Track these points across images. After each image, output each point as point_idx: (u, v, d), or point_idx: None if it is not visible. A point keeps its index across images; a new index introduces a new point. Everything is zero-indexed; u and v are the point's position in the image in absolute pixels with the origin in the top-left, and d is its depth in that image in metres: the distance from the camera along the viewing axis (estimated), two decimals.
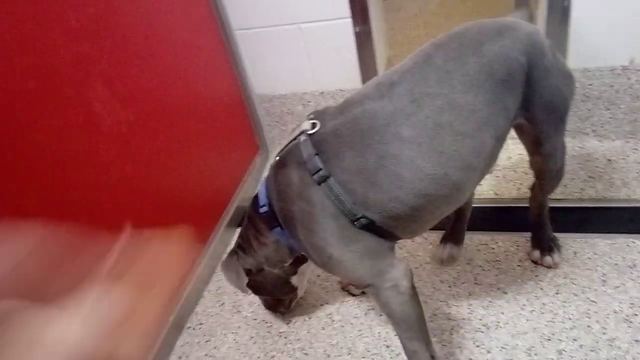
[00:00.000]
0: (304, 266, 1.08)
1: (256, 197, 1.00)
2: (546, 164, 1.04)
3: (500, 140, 0.89)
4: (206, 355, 1.21)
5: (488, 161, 0.89)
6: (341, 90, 1.69)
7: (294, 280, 1.10)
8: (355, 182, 0.82)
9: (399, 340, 0.92)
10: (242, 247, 1.05)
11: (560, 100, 0.94)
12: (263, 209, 0.96)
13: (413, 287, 0.87)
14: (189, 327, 1.30)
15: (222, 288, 1.39)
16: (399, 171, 0.81)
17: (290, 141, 0.90)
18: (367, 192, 0.82)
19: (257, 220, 1.00)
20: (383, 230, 0.86)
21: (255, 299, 1.28)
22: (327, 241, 0.85)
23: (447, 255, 1.28)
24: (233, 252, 1.07)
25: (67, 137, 0.97)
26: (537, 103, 0.91)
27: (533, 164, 1.08)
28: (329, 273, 0.95)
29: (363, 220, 0.83)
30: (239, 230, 1.12)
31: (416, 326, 0.89)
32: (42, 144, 0.92)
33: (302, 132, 0.88)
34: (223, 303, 1.35)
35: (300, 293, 1.19)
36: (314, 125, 0.88)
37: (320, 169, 0.83)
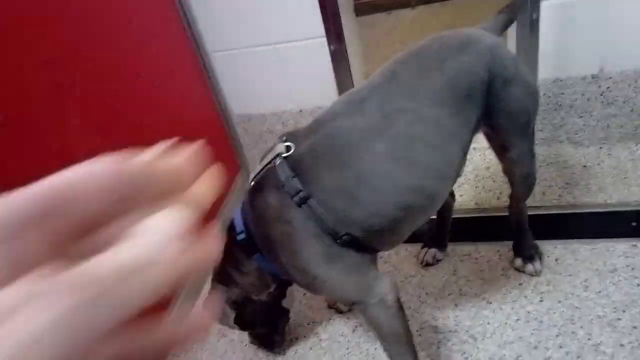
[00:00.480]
0: (292, 287, 1.07)
1: (231, 225, 0.94)
2: (513, 169, 1.07)
3: (465, 149, 0.92)
4: None
5: (457, 169, 0.92)
6: (319, 108, 1.70)
7: (285, 303, 1.09)
8: (335, 201, 0.82)
9: (387, 356, 0.92)
10: (221, 281, 1.00)
11: (521, 110, 0.96)
12: (241, 236, 0.91)
13: (398, 301, 0.87)
14: (173, 354, 1.27)
15: None
16: (378, 185, 0.82)
17: (265, 165, 0.87)
18: (348, 209, 0.82)
19: (233, 249, 0.94)
20: (365, 245, 0.86)
21: None
22: (310, 262, 0.85)
23: (432, 256, 1.29)
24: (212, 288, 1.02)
25: (42, 167, 0.96)
26: (499, 112, 0.94)
27: (503, 170, 1.10)
28: (315, 294, 0.94)
29: (346, 238, 0.83)
30: None
31: (404, 339, 0.89)
32: (17, 176, 0.90)
33: (276, 155, 0.86)
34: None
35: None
36: (288, 148, 0.86)
37: (301, 190, 0.81)
